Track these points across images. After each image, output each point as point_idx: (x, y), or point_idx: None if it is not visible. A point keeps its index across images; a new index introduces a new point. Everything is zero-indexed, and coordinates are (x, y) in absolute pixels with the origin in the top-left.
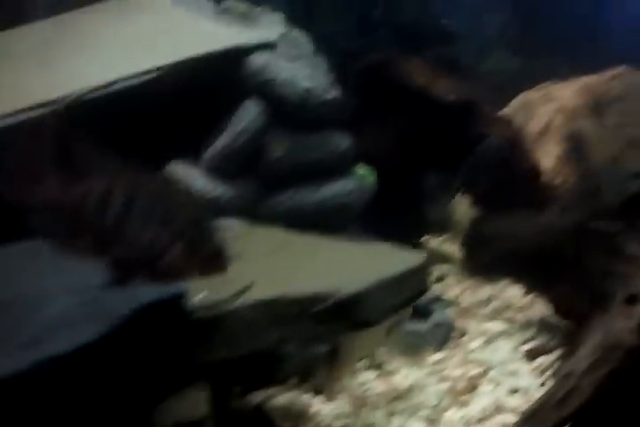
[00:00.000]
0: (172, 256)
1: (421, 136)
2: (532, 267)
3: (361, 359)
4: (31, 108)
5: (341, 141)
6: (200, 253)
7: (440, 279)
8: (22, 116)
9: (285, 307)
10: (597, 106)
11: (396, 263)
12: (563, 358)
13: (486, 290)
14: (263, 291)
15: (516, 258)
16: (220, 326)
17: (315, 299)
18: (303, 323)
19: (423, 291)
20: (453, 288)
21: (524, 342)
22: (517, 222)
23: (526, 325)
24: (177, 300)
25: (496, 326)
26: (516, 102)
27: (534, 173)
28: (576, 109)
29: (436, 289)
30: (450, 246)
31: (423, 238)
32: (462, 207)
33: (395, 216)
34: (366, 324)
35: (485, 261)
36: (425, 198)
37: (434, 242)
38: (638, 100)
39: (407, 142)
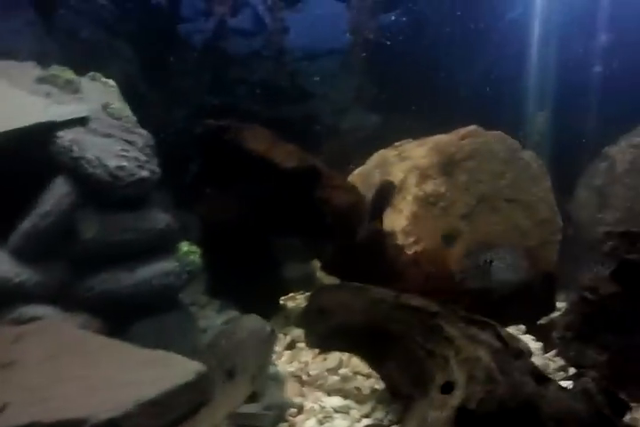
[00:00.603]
0: None
1: (264, 202)
2: (363, 341)
3: None
4: None
5: (159, 219)
6: None
7: (291, 346)
8: None
9: None
10: (449, 165)
11: (169, 378)
12: None
13: (337, 356)
14: (13, 416)
15: (350, 332)
16: None
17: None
18: None
19: (200, 404)
20: (304, 354)
21: (361, 418)
22: (351, 295)
23: (368, 397)
24: None
25: (335, 400)
26: (372, 160)
27: (378, 237)
28: (428, 168)
29: (284, 359)
30: None
31: (286, 297)
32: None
33: (252, 280)
34: None
35: (322, 333)
36: (279, 261)
37: (298, 299)
38: (486, 159)
39: (250, 209)
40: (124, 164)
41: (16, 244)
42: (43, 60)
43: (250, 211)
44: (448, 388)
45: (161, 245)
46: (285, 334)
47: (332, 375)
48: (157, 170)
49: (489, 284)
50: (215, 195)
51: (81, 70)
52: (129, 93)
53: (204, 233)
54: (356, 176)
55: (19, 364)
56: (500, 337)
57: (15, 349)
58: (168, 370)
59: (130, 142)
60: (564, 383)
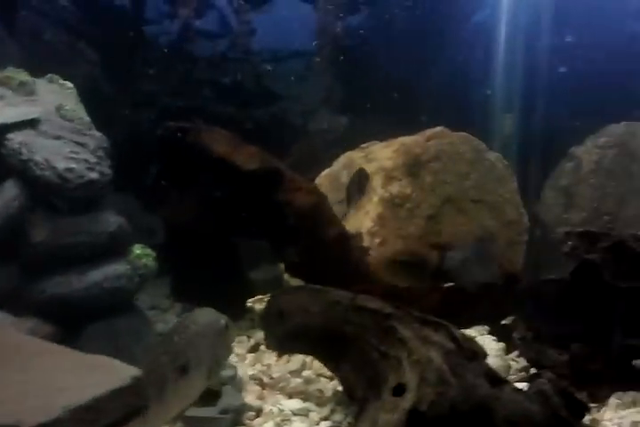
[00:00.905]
0: None
1: (226, 205)
2: (321, 344)
3: None
4: None
5: (111, 222)
6: None
7: (255, 349)
8: None
9: None
10: (414, 166)
11: (103, 383)
12: None
13: (300, 358)
14: None
15: (307, 334)
16: None
17: None
18: None
19: (138, 408)
20: (268, 357)
21: (320, 421)
22: (309, 297)
23: (329, 399)
24: None
25: (295, 403)
26: (339, 162)
27: (341, 238)
28: (394, 170)
29: (247, 361)
30: None
31: (253, 299)
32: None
33: (216, 282)
34: None
35: (281, 336)
36: (245, 262)
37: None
38: (452, 160)
39: (213, 211)
40: (73, 166)
41: None
42: (2, 63)
43: (212, 213)
44: (400, 390)
45: (113, 248)
46: (250, 337)
47: (295, 378)
48: (108, 172)
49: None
50: (177, 197)
51: (43, 72)
52: (92, 95)
53: (167, 235)
54: (323, 178)
55: None
56: (453, 338)
57: None
58: (104, 375)
59: (81, 144)
60: (525, 385)
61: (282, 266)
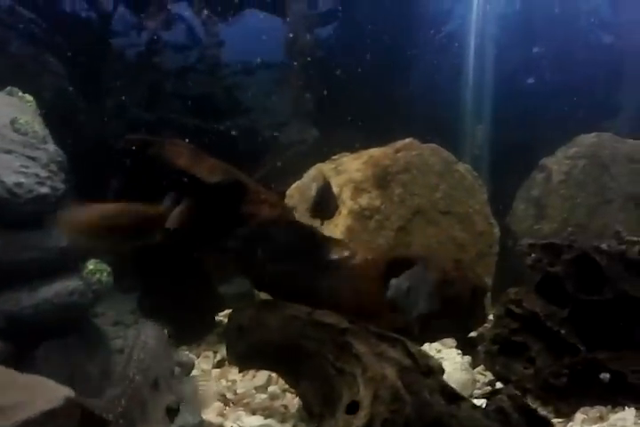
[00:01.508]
0: None
1: (189, 218)
2: (280, 359)
3: None
4: None
5: (62, 237)
6: None
7: (221, 364)
8: None
9: None
10: (383, 178)
11: (35, 404)
12: None
13: (265, 373)
14: None
15: (267, 349)
16: None
17: None
18: None
19: None
20: (233, 372)
21: None
22: (268, 312)
23: (293, 416)
24: None
25: (256, 420)
26: (309, 174)
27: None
28: (363, 182)
29: (212, 377)
30: None
31: (223, 313)
32: None
33: (183, 297)
34: None
35: (242, 351)
36: (212, 276)
37: None
38: (422, 172)
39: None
40: (23, 180)
41: None
42: None
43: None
44: (354, 407)
45: (64, 264)
46: (215, 352)
47: (261, 393)
48: (60, 186)
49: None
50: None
51: (8, 85)
52: (58, 108)
53: (131, 250)
54: (293, 190)
55: None
56: (409, 354)
57: None
58: (36, 396)
59: (32, 158)
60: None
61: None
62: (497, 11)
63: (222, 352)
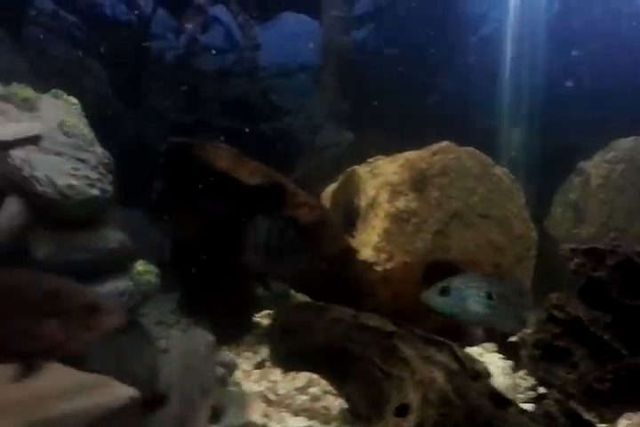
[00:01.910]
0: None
1: (230, 220)
2: (324, 362)
3: None
4: None
5: (112, 239)
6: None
7: (261, 365)
8: None
9: None
10: (420, 181)
11: (100, 403)
12: None
13: (306, 375)
14: None
15: (311, 352)
16: None
17: None
18: None
19: None
20: (274, 373)
21: None
22: (312, 315)
23: (335, 417)
24: None
25: (299, 421)
26: (344, 177)
27: (344, 254)
28: (400, 185)
29: (253, 378)
30: None
31: (261, 314)
32: None
33: (223, 297)
34: None
35: (285, 353)
36: (248, 278)
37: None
38: (459, 175)
39: (217, 226)
40: (74, 182)
41: None
42: (11, 78)
43: (216, 228)
44: (403, 411)
45: (114, 265)
46: (255, 353)
47: (301, 395)
48: (109, 188)
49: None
50: (182, 213)
51: (51, 88)
52: (99, 111)
53: (173, 251)
54: (328, 193)
55: None
56: (457, 358)
57: None
58: (101, 395)
59: (82, 161)
60: (526, 405)
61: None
62: (534, 14)
63: (262, 353)
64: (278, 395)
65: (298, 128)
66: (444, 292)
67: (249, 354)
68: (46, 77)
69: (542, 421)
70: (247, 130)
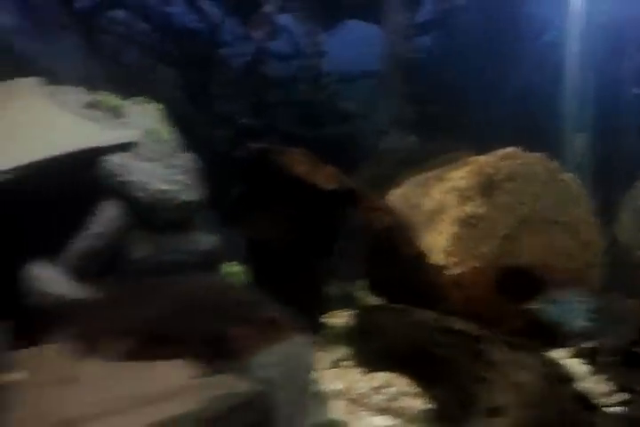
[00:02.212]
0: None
1: (305, 224)
2: (408, 363)
3: None
4: None
5: (204, 241)
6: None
7: (335, 364)
8: None
9: None
10: (488, 186)
11: (224, 397)
12: None
13: (383, 375)
14: None
15: (394, 353)
16: None
17: None
18: None
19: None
20: (349, 373)
21: None
22: (395, 316)
23: (415, 417)
24: None
25: (383, 420)
26: (410, 182)
27: (417, 258)
28: (468, 189)
29: (328, 377)
30: None
31: (328, 315)
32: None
33: (296, 298)
34: None
35: (369, 353)
36: (320, 279)
37: (340, 317)
38: (527, 180)
39: (292, 229)
40: (169, 187)
41: (71, 263)
42: (87, 85)
43: (291, 231)
44: (493, 413)
45: (206, 266)
46: (328, 352)
47: (379, 395)
48: (201, 193)
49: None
50: (260, 216)
51: (124, 94)
52: (172, 117)
53: (247, 252)
54: (394, 197)
55: (75, 380)
56: (544, 361)
57: (68, 365)
58: (224, 389)
59: (174, 166)
60: (611, 409)
61: (356, 283)
62: (599, 19)
63: (335, 352)
64: (357, 394)
65: (362, 133)
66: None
67: (321, 354)
68: (120, 84)
69: (629, 425)
70: (312, 135)
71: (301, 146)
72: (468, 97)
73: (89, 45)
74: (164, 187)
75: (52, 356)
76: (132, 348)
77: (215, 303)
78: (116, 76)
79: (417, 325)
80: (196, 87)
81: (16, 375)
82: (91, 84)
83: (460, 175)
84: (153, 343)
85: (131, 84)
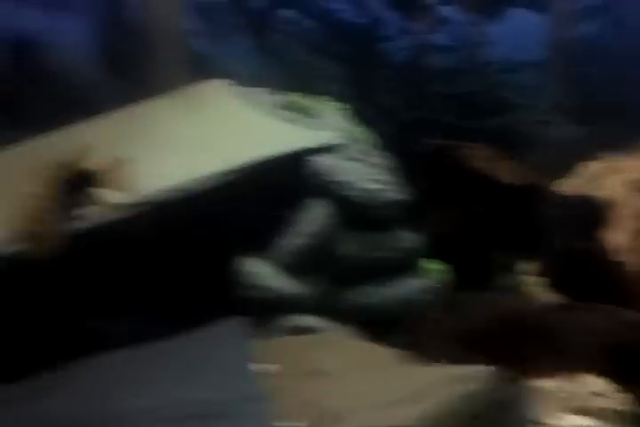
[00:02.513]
0: None
1: (491, 219)
2: (610, 363)
3: None
4: None
5: (409, 240)
6: None
7: None
8: None
9: None
10: None
11: (469, 391)
12: None
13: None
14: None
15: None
16: None
17: None
18: None
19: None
20: None
21: None
22: (603, 316)
23: (612, 418)
24: None
25: (582, 420)
26: (579, 173)
27: (603, 254)
28: None
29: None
30: None
31: None
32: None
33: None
34: None
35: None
36: (498, 276)
37: None
38: None
39: (478, 226)
40: (377, 187)
41: (285, 260)
42: (263, 85)
43: (475, 226)
44: None
45: (408, 263)
46: None
47: (573, 394)
48: (404, 192)
49: None
50: (443, 211)
51: (301, 94)
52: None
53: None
54: (565, 189)
55: (325, 373)
56: None
57: (313, 358)
58: (464, 383)
59: (374, 165)
60: None
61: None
62: None
63: None
64: (548, 393)
65: (526, 123)
66: None
67: None
68: (289, 82)
69: None
70: (476, 126)
71: (464, 137)
72: (633, 86)
73: (260, 46)
74: (371, 186)
75: (294, 348)
76: None
77: None
78: (289, 74)
79: (629, 325)
80: (361, 82)
81: (270, 366)
82: (262, 83)
83: (635, 167)
84: None
85: (303, 83)
